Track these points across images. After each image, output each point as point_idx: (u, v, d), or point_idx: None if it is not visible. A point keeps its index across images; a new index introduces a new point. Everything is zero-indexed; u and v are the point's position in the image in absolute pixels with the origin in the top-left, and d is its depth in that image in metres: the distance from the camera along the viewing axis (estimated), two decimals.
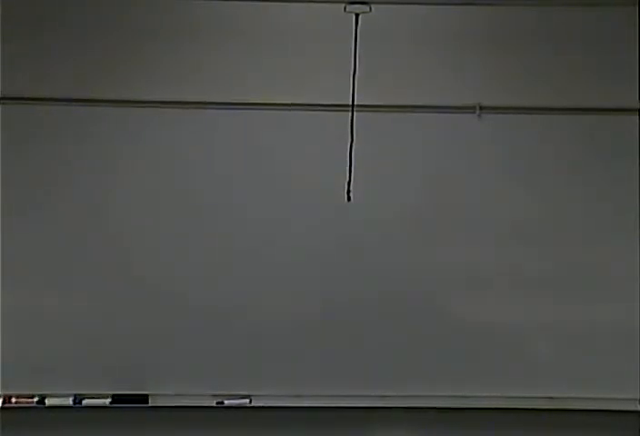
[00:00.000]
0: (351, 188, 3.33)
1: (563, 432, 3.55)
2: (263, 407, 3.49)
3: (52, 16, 3.54)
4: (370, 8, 3.28)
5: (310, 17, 3.56)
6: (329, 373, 3.49)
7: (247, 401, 3.50)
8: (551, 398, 3.49)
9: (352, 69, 3.35)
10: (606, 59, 3.57)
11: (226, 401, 3.49)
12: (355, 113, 3.40)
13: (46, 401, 3.46)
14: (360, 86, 3.37)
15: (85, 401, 3.46)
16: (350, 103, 3.38)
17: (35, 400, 3.46)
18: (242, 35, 3.57)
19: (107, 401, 3.47)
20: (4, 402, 3.44)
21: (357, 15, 3.32)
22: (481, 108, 3.56)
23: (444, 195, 3.56)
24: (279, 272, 3.51)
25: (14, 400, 3.45)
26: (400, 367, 3.49)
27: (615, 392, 3.43)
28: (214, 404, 3.49)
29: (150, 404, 3.48)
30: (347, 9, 3.30)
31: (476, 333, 3.51)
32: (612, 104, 3.55)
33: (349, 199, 3.33)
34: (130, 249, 3.50)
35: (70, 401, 3.46)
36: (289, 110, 3.53)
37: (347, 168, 3.37)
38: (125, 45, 3.56)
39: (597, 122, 3.56)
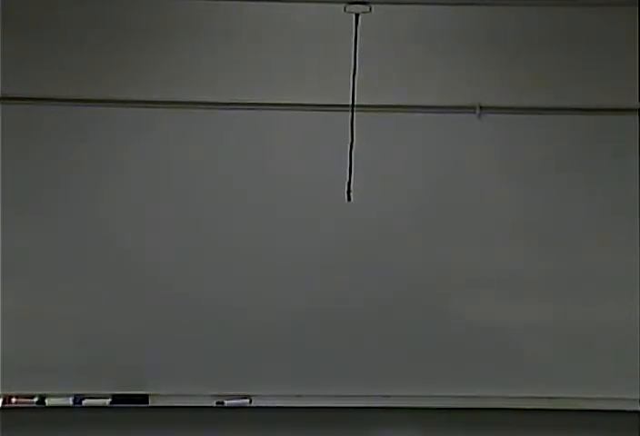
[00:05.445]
0: (351, 188, 3.34)
1: (563, 432, 3.55)
2: (263, 407, 3.49)
3: (52, 16, 3.54)
4: (370, 8, 3.29)
5: (310, 17, 3.56)
6: (329, 373, 3.49)
7: (247, 401, 3.50)
8: (551, 398, 3.49)
9: (352, 69, 3.35)
10: (606, 59, 3.57)
11: (226, 401, 3.49)
12: (355, 113, 3.40)
13: (46, 401, 3.45)
14: (360, 86, 3.37)
15: (85, 401, 3.46)
16: (350, 103, 3.38)
17: (35, 400, 3.46)
18: (242, 35, 3.57)
19: (107, 401, 3.47)
20: (4, 402, 3.44)
21: (357, 15, 3.32)
22: (481, 108, 3.56)
23: (444, 195, 3.56)
24: (279, 271, 3.51)
25: (14, 400, 3.45)
26: (401, 367, 3.49)
27: (615, 392, 3.43)
28: (214, 404, 3.49)
29: (150, 404, 3.48)
30: (347, 9, 3.31)
31: (476, 333, 3.51)
32: (612, 103, 3.55)
33: (349, 199, 3.33)
34: (130, 249, 3.50)
35: (70, 401, 3.46)
36: (289, 110, 3.53)
37: (347, 168, 3.37)
38: (125, 45, 3.56)
39: (597, 122, 3.56)
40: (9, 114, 3.48)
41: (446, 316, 3.53)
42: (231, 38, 3.58)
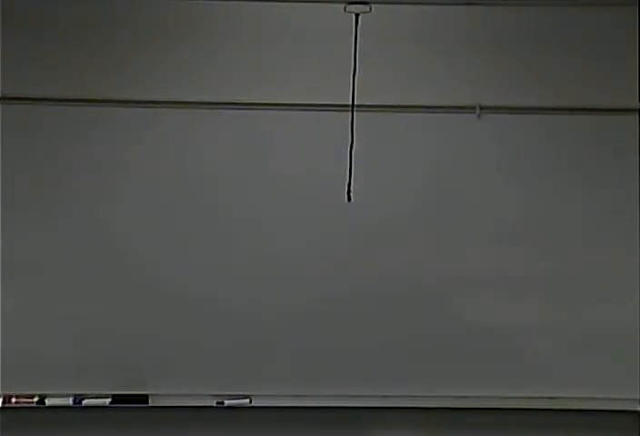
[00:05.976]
0: (351, 188, 3.34)
1: (563, 432, 3.55)
2: (263, 407, 3.49)
3: (52, 16, 3.54)
4: (370, 8, 3.29)
5: (310, 17, 3.56)
6: (329, 373, 3.49)
7: (247, 401, 3.50)
8: (551, 398, 3.49)
9: (352, 69, 3.35)
10: (606, 59, 3.57)
11: (226, 401, 3.49)
12: (355, 113, 3.40)
13: (46, 401, 3.45)
14: (360, 86, 3.37)
15: (85, 401, 3.46)
16: (350, 103, 3.38)
17: (35, 400, 3.46)
18: (242, 35, 3.58)
19: (107, 401, 3.47)
20: (4, 402, 3.44)
21: (357, 15, 3.32)
22: (481, 108, 3.56)
23: (444, 195, 3.56)
24: (279, 271, 3.51)
25: (14, 400, 3.45)
26: (400, 367, 3.49)
27: (615, 392, 3.43)
28: (214, 404, 3.49)
29: (150, 404, 3.48)
30: (347, 9, 3.31)
31: (476, 333, 3.51)
32: (612, 103, 3.55)
33: (349, 199, 3.33)
34: (130, 249, 3.50)
35: (70, 401, 3.46)
36: (289, 110, 3.53)
37: (347, 168, 3.37)
38: (125, 45, 3.56)
39: (597, 122, 3.56)
40: (9, 114, 3.48)
41: (446, 316, 3.53)
42: (231, 38, 3.58)
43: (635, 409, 3.46)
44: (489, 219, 3.55)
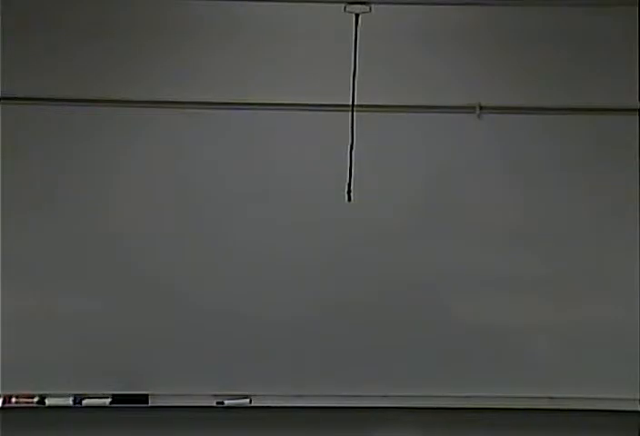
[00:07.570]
0: (351, 188, 3.34)
1: (563, 432, 3.55)
2: (263, 407, 3.49)
3: (52, 16, 3.54)
4: (370, 8, 3.29)
5: (310, 17, 3.56)
6: (329, 373, 3.49)
7: (247, 401, 3.50)
8: (551, 398, 3.49)
9: (352, 69, 3.35)
10: (606, 59, 3.57)
11: (226, 401, 3.49)
12: (354, 113, 3.40)
13: (46, 401, 3.45)
14: (360, 86, 3.37)
15: (85, 401, 3.46)
16: (350, 103, 3.38)
17: (35, 400, 3.46)
18: (242, 35, 3.57)
19: (107, 401, 3.47)
20: (4, 402, 3.44)
21: (357, 15, 3.32)
22: (481, 108, 3.56)
23: (444, 195, 3.56)
24: (279, 271, 3.51)
25: (14, 400, 3.45)
26: (400, 367, 3.49)
27: (615, 392, 3.43)
28: (214, 404, 3.49)
29: (150, 404, 3.48)
30: (347, 9, 3.31)
31: (476, 333, 3.51)
32: (612, 104, 3.54)
33: (349, 199, 3.33)
34: (130, 249, 3.50)
35: (70, 401, 3.46)
36: (289, 110, 3.53)
37: (347, 168, 3.37)
38: (125, 45, 3.56)
39: (597, 122, 3.56)
40: (9, 114, 3.48)
41: (446, 316, 3.53)
42: (231, 38, 3.58)
43: (635, 409, 3.46)
44: (489, 219, 3.55)
